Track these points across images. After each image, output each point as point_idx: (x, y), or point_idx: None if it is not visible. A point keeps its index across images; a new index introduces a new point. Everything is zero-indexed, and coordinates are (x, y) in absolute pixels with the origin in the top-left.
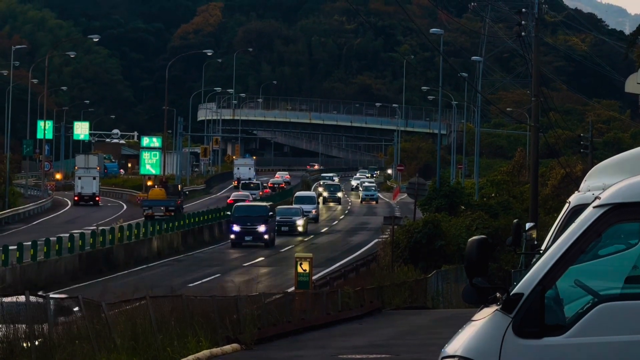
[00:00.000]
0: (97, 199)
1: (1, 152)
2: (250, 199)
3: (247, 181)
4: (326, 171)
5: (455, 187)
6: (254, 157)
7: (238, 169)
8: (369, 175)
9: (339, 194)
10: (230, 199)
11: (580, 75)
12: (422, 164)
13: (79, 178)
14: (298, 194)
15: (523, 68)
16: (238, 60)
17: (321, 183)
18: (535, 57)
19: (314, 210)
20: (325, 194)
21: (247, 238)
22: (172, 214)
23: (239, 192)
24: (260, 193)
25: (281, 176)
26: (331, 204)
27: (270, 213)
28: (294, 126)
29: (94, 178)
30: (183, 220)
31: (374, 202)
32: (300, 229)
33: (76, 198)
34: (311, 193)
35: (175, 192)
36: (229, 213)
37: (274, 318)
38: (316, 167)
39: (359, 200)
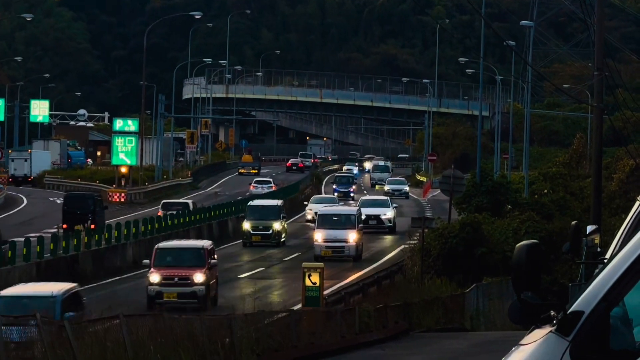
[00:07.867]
0: (29, 179)
1: None
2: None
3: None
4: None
5: (500, 182)
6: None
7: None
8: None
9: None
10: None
11: None
12: (459, 153)
13: (12, 160)
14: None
15: (584, 35)
16: (233, 25)
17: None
18: (599, 21)
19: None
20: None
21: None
22: (257, 171)
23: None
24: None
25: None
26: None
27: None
28: (302, 106)
29: (26, 160)
30: (165, 222)
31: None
32: None
33: (10, 180)
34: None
35: (256, 159)
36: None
37: (277, 342)
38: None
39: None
